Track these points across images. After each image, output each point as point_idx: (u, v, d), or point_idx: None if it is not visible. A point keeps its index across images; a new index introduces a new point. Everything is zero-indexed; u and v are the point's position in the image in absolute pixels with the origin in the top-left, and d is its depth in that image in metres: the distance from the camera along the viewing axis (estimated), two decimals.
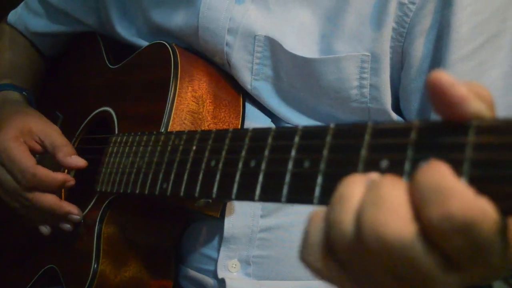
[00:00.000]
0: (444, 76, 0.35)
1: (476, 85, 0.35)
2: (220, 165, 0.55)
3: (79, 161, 0.83)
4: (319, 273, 0.38)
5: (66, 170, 0.90)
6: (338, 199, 0.37)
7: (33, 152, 0.85)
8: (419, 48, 0.73)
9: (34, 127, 0.86)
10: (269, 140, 0.49)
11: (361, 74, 0.76)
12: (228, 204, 0.79)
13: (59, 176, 0.82)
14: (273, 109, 0.83)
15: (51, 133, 0.86)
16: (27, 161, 0.82)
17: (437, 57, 0.72)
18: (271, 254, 0.80)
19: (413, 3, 0.72)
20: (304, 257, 0.39)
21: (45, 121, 0.90)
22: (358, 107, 0.78)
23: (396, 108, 0.80)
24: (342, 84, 0.77)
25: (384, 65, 0.75)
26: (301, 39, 0.78)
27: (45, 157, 0.87)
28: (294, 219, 0.80)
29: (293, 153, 0.46)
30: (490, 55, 0.71)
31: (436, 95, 0.35)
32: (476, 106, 0.35)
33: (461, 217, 0.31)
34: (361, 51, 0.75)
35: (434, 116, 0.72)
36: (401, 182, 0.35)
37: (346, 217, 0.36)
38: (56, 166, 0.86)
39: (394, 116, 0.79)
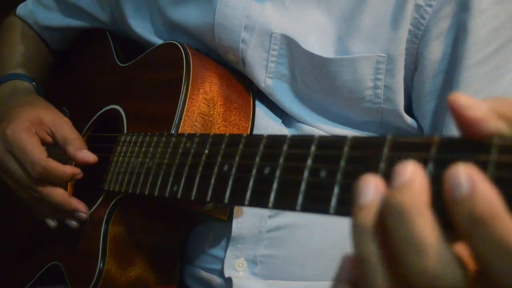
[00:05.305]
0: (461, 98, 0.35)
1: (501, 101, 0.35)
2: (233, 170, 0.54)
3: (89, 156, 0.83)
4: None
5: (73, 163, 0.90)
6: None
7: (43, 143, 0.85)
8: (435, 51, 0.73)
9: (45, 118, 0.86)
10: (285, 147, 0.49)
11: (376, 75, 0.76)
12: (236, 206, 0.79)
13: (68, 170, 0.82)
14: (286, 107, 0.83)
15: (62, 126, 0.86)
16: (39, 154, 0.82)
17: (454, 60, 0.72)
18: (278, 254, 0.80)
19: (430, 6, 0.72)
20: None
21: (56, 113, 0.89)
22: (371, 108, 0.78)
23: (408, 109, 0.80)
24: (357, 85, 0.77)
25: (398, 66, 0.75)
26: (317, 38, 0.78)
27: (52, 148, 0.86)
28: (302, 219, 0.80)
29: (309, 162, 0.46)
30: (505, 60, 0.72)
31: (454, 115, 0.35)
32: (495, 125, 0.35)
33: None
34: (377, 52, 0.75)
35: (448, 118, 0.73)
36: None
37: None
38: (64, 158, 0.85)
39: (407, 118, 0.79)
